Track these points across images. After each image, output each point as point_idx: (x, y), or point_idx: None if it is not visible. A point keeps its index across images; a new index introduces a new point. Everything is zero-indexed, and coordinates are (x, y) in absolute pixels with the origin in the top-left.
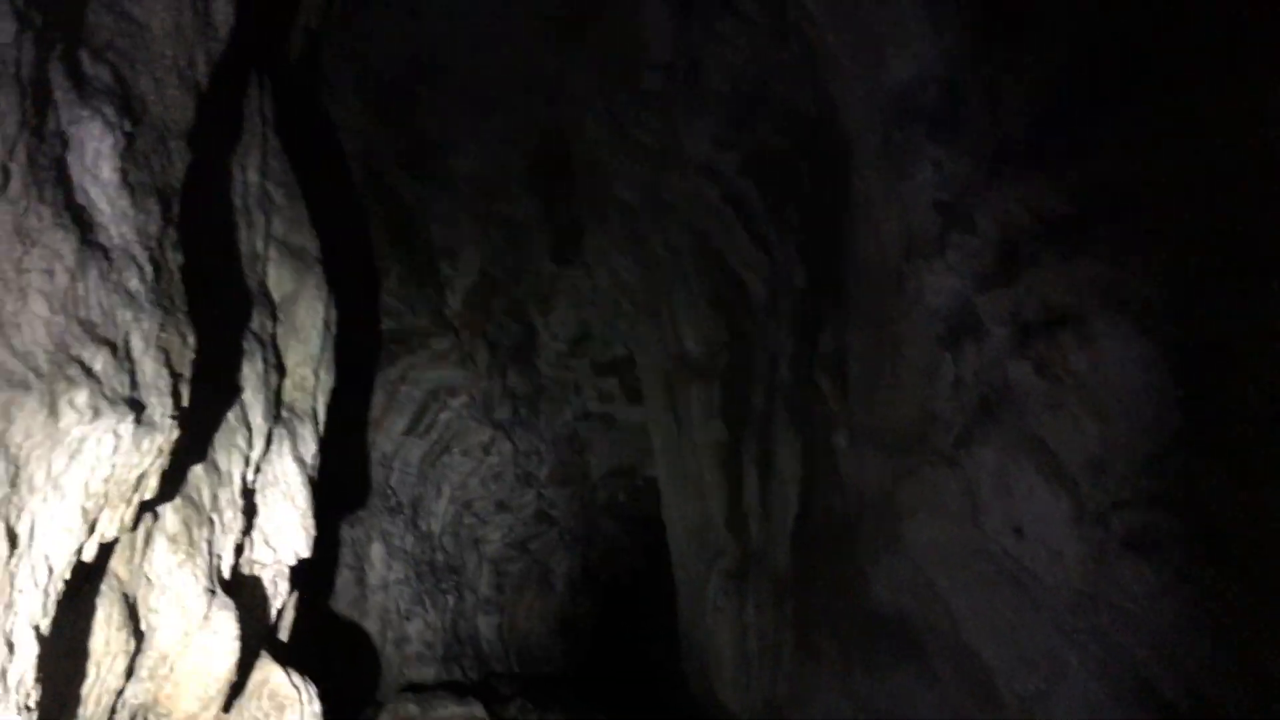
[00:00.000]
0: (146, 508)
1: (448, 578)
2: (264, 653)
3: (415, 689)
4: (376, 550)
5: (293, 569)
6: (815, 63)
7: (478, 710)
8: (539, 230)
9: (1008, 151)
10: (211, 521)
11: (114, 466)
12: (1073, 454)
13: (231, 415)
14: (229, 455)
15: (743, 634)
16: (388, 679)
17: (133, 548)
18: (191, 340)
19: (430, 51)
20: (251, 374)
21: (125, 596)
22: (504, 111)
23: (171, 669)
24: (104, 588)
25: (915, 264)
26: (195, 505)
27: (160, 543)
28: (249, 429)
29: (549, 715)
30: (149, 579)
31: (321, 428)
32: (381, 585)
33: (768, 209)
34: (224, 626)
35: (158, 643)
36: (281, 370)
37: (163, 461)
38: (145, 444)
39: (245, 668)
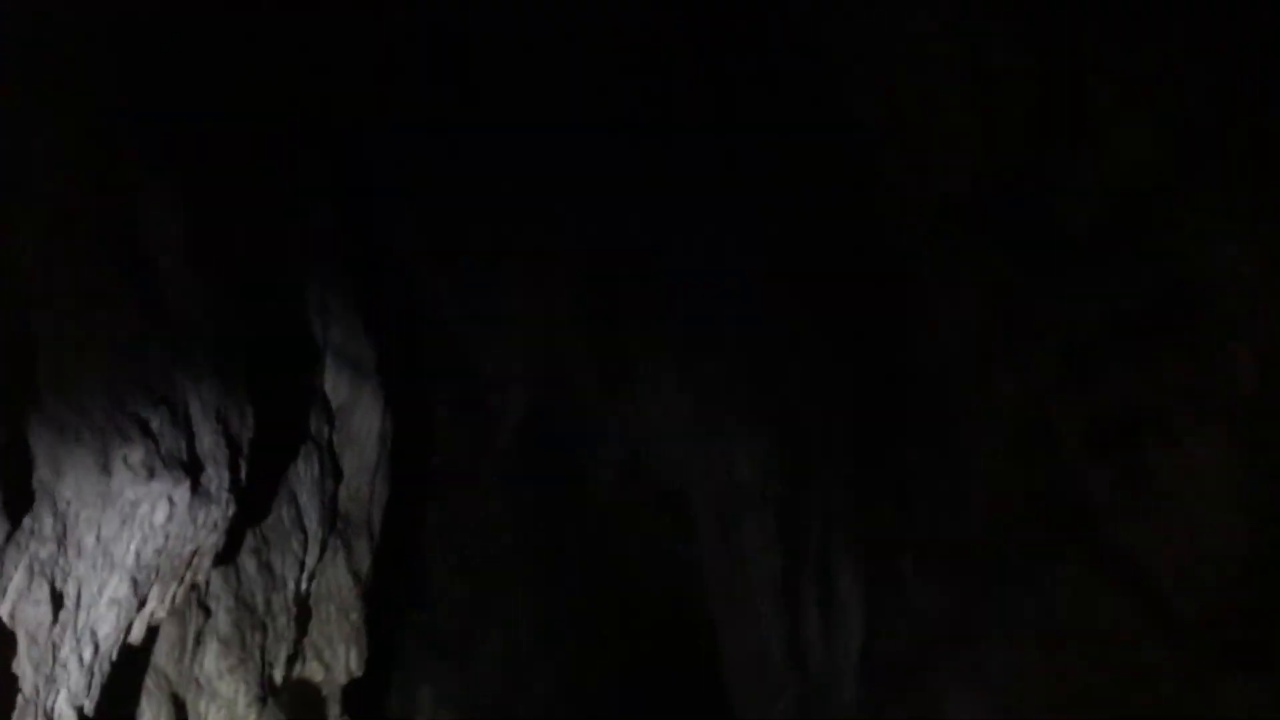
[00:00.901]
0: (198, 594)
1: None
2: None
3: None
4: (424, 694)
5: (344, 688)
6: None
7: None
8: (584, 371)
9: (1070, 253)
10: (265, 627)
11: (168, 537)
12: (1160, 568)
13: (286, 517)
14: (283, 558)
15: None
16: None
17: (183, 646)
18: (250, 419)
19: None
20: (307, 477)
21: (174, 697)
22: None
23: None
24: (150, 685)
25: (978, 374)
26: (249, 607)
27: (212, 645)
28: (304, 533)
29: None
30: (199, 682)
31: (377, 542)
32: None
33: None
34: None
35: None
36: (338, 476)
37: (217, 539)
38: (201, 516)
39: None
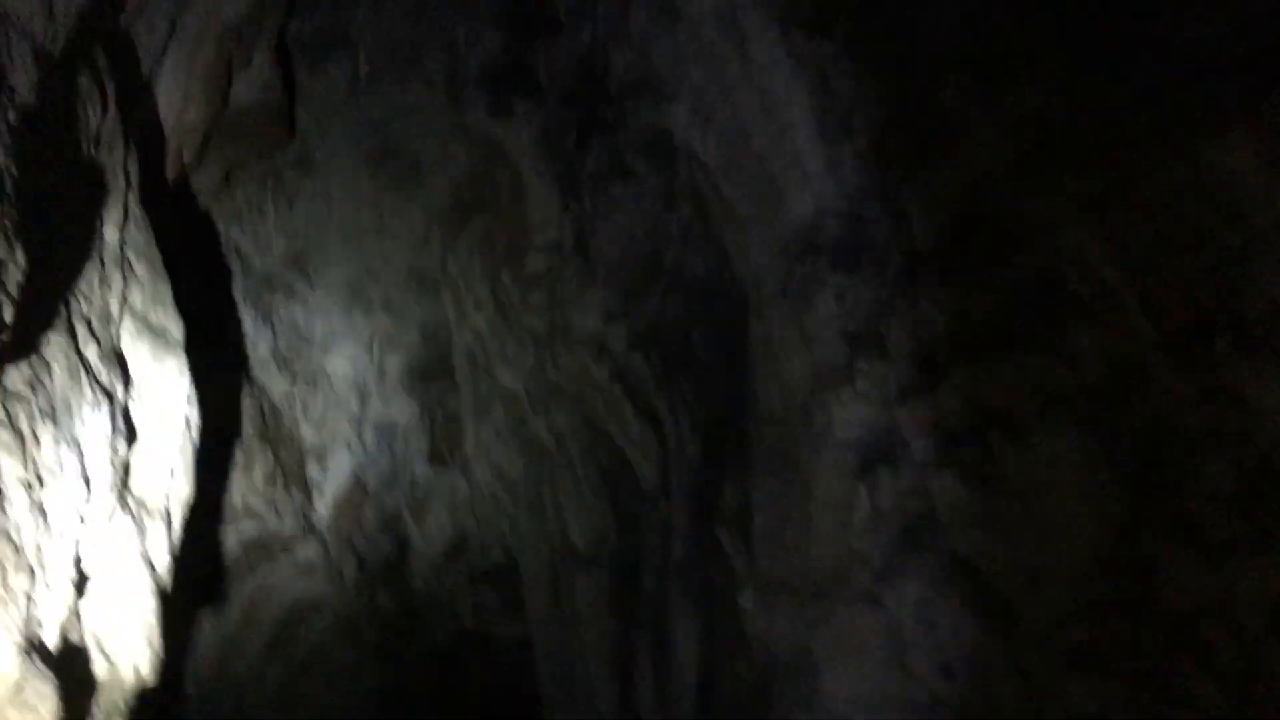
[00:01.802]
0: None
1: None
2: None
3: None
4: None
5: (131, 688)
6: (708, 217)
7: None
8: (415, 432)
9: (919, 266)
10: (32, 573)
11: None
12: (1006, 573)
13: (66, 461)
14: (59, 509)
15: None
16: None
17: None
18: (22, 263)
19: (309, 243)
20: (96, 426)
21: None
22: (385, 309)
23: None
24: None
25: (823, 398)
26: (13, 544)
27: None
28: (88, 486)
29: None
30: None
31: (176, 542)
32: None
33: (657, 381)
34: (43, 702)
35: None
36: (131, 439)
37: None
38: None
39: None
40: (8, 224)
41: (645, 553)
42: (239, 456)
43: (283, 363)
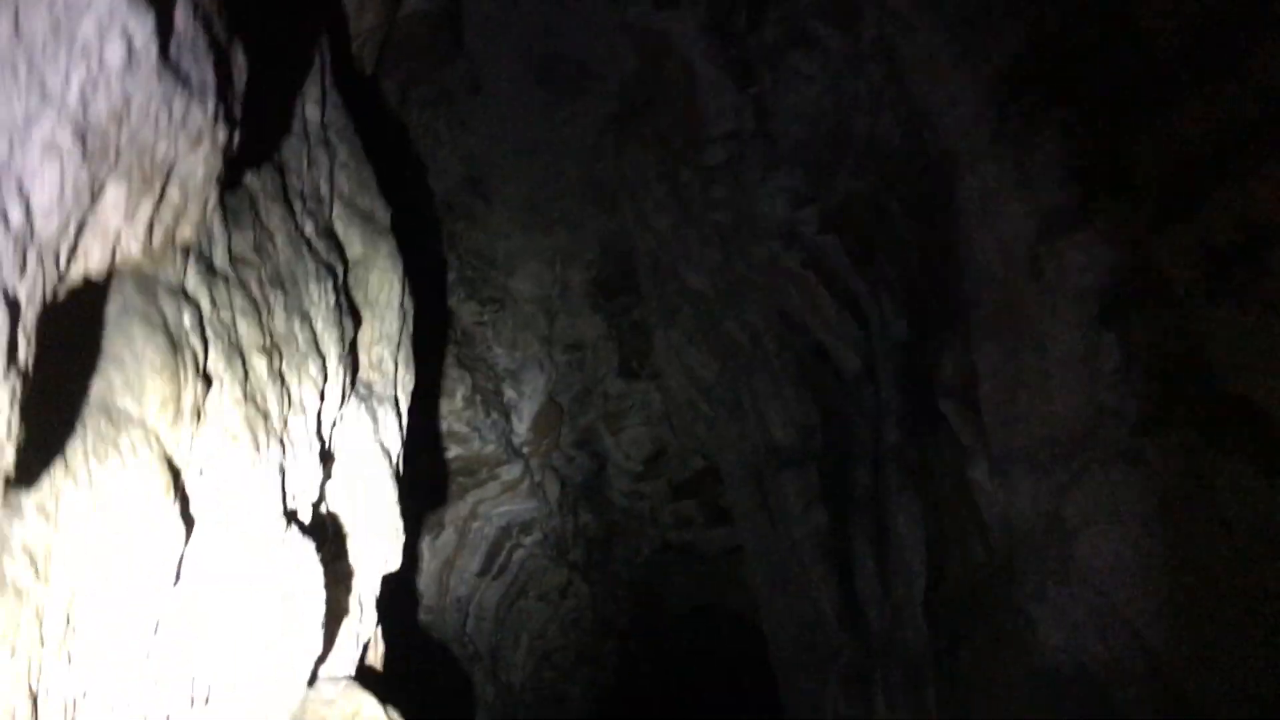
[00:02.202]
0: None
1: None
2: (353, 681)
3: None
4: (456, 699)
5: (379, 587)
6: (901, 74)
7: None
8: (604, 346)
9: (1161, 83)
10: (283, 445)
11: (127, 102)
12: None
13: (300, 334)
14: (299, 379)
15: None
16: None
17: (176, 406)
18: (241, 75)
19: (484, 165)
20: (322, 302)
21: (167, 461)
22: (563, 224)
23: (235, 617)
24: (132, 438)
25: (1054, 244)
26: (260, 411)
27: (213, 429)
28: (322, 360)
29: None
30: (201, 473)
31: (404, 428)
32: None
33: (854, 262)
34: (307, 563)
35: (210, 570)
36: (356, 319)
37: (206, 168)
38: (178, 105)
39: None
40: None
41: (854, 443)
42: (442, 380)
43: (470, 287)
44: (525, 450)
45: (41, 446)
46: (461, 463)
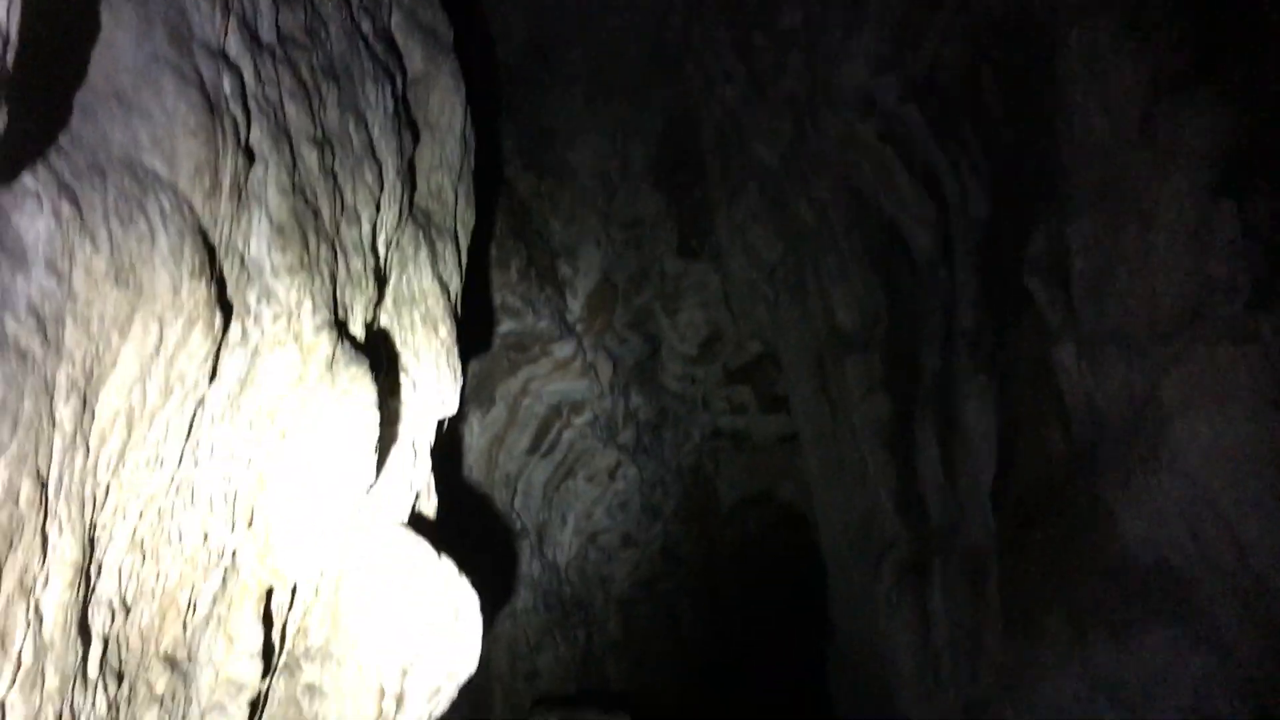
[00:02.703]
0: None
1: (576, 613)
2: (407, 528)
3: (552, 700)
4: (501, 577)
5: (433, 434)
6: None
7: None
8: (664, 224)
9: None
10: (335, 250)
11: None
12: None
13: (355, 134)
14: (353, 183)
15: (926, 631)
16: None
17: (215, 182)
18: None
19: (550, 28)
20: (379, 106)
21: (203, 236)
22: (626, 95)
23: (283, 432)
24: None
25: (1170, 105)
26: (310, 207)
27: (260, 222)
28: (379, 169)
29: None
30: (243, 260)
31: (464, 266)
32: (509, 613)
33: (936, 136)
34: (358, 386)
35: (257, 371)
36: (415, 136)
37: None
38: None
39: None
40: None
41: (923, 328)
42: (494, 251)
43: (528, 157)
44: (578, 329)
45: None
46: (514, 337)
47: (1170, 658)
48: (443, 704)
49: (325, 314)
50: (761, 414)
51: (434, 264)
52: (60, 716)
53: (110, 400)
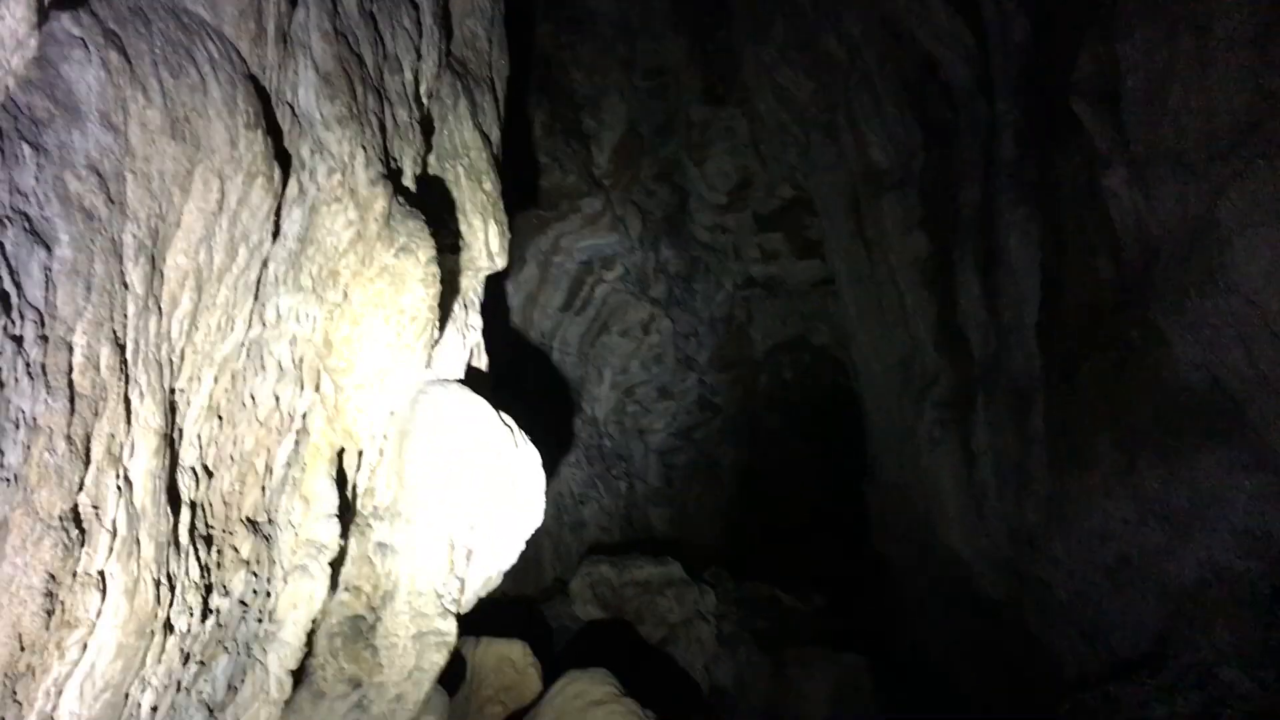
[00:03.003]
0: None
1: (617, 465)
2: (462, 384)
3: (604, 550)
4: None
5: (481, 277)
6: None
7: (676, 570)
8: (688, 71)
9: None
10: (381, 98)
11: None
12: None
13: None
14: (393, 28)
15: (970, 466)
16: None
17: (258, 22)
18: None
19: None
20: None
21: (252, 80)
22: None
23: (345, 293)
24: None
25: None
26: (354, 53)
27: (306, 70)
28: (416, 12)
29: (747, 576)
30: (293, 110)
31: (501, 115)
32: (552, 468)
33: None
34: (415, 241)
35: (316, 229)
36: None
37: None
38: None
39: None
40: None
41: (962, 162)
42: (516, 106)
43: (548, 5)
44: (606, 183)
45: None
46: (541, 194)
47: (1222, 479)
48: (510, 558)
49: (378, 167)
50: (794, 259)
51: (474, 115)
52: (159, 584)
53: (178, 261)
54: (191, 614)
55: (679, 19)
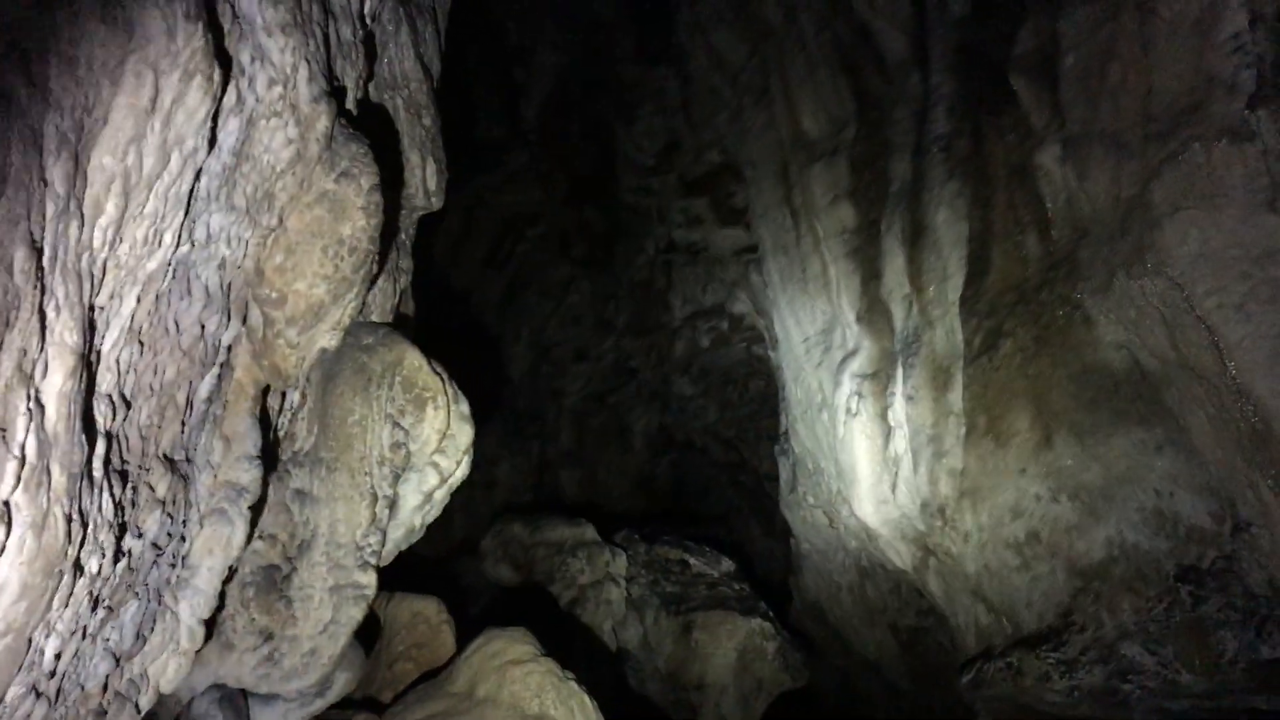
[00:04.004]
0: None
1: (530, 425)
2: (393, 329)
3: (516, 511)
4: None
5: (416, 217)
6: None
7: (589, 531)
8: (622, 29)
9: None
10: (326, 11)
11: None
12: None
13: None
14: None
15: (886, 438)
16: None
17: None
18: None
19: None
20: None
21: None
22: None
23: (281, 219)
24: None
25: None
26: None
27: None
28: None
29: (658, 541)
30: (234, 12)
31: (443, 48)
32: None
33: None
34: (358, 167)
35: (253, 145)
36: None
37: None
38: None
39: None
40: None
41: (894, 134)
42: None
43: None
44: (532, 138)
45: None
46: (467, 144)
47: (1135, 459)
48: (435, 511)
49: (321, 83)
50: (718, 226)
51: (416, 45)
52: (70, 520)
53: (104, 162)
54: (103, 555)
55: None
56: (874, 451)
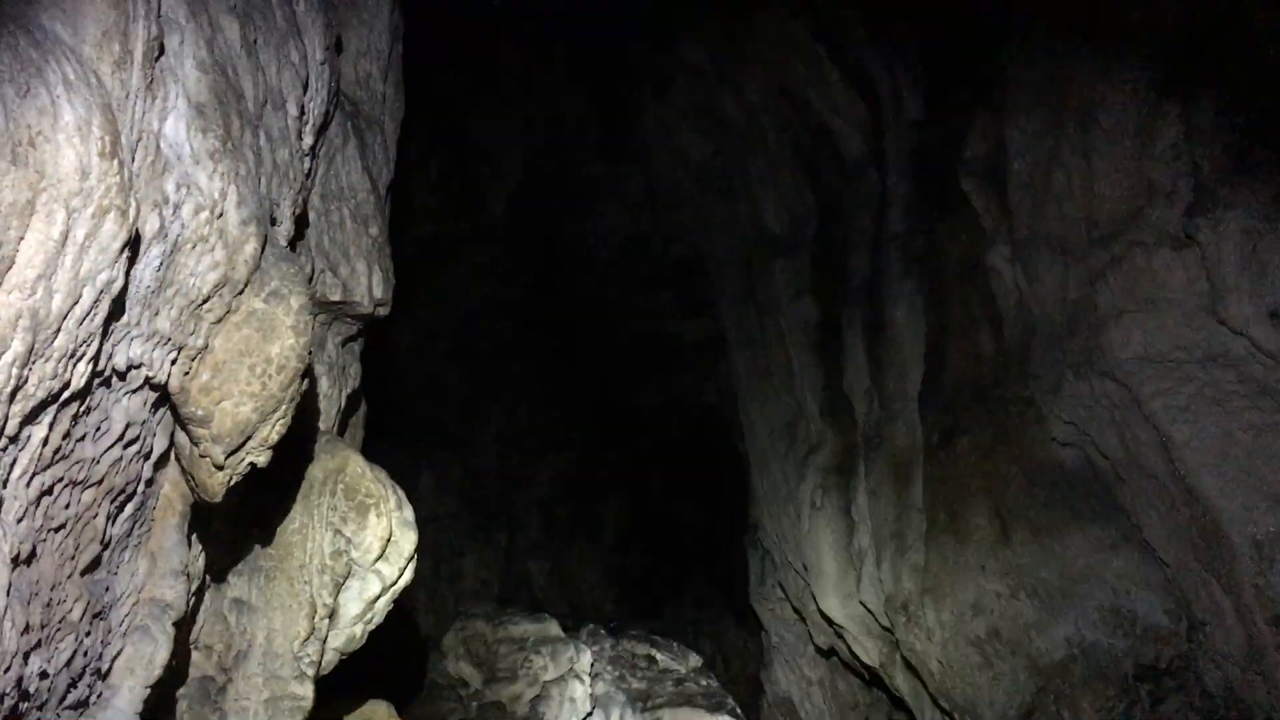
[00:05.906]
0: None
1: (498, 515)
2: (336, 437)
3: (480, 604)
4: (426, 481)
5: (366, 319)
6: None
7: (552, 627)
8: (587, 125)
9: None
10: (256, 129)
11: None
12: None
13: (277, 9)
14: (278, 62)
15: (850, 532)
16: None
17: (123, 46)
18: None
19: None
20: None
21: (107, 111)
22: None
23: (207, 340)
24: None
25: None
26: (233, 87)
27: (176, 99)
28: (304, 50)
29: (624, 635)
30: (159, 145)
31: (393, 160)
32: (432, 518)
33: (870, 34)
34: (287, 286)
35: (178, 270)
36: (340, 18)
37: None
38: None
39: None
40: None
41: (853, 231)
42: (412, 152)
43: (450, 53)
44: (498, 233)
45: None
46: (433, 241)
47: (1091, 557)
48: (377, 619)
49: (251, 207)
50: (683, 318)
51: (362, 157)
52: None
53: (9, 299)
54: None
55: (581, 75)
56: (838, 546)
